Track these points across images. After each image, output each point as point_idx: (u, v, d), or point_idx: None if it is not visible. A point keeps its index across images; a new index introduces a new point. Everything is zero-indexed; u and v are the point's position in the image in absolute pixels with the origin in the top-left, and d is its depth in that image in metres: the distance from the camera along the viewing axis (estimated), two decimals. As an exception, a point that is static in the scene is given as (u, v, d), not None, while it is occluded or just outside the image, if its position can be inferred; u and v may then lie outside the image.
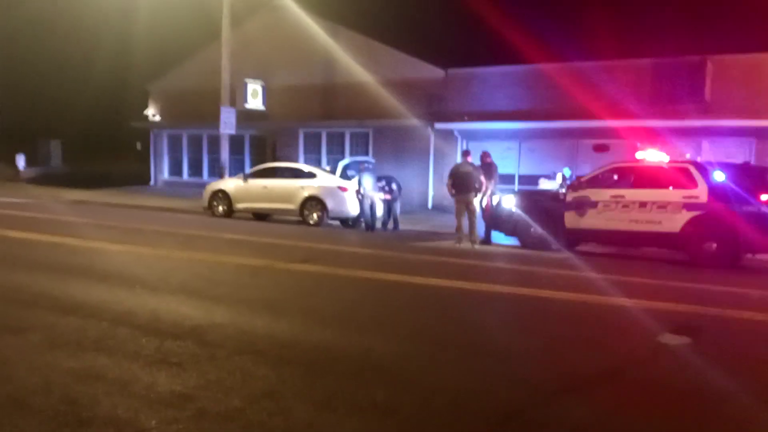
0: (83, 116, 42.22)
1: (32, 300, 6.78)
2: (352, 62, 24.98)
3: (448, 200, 20.97)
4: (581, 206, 13.55)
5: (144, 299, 7.04)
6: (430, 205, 24.38)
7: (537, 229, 13.99)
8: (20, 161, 34.20)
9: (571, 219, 13.66)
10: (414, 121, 23.93)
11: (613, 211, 13.22)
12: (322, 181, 18.06)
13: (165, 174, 31.26)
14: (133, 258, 10.07)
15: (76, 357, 4.96)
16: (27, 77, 43.73)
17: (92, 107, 42.31)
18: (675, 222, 12.66)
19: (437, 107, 24.16)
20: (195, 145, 30.47)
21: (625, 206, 13.12)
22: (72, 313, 6.24)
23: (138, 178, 31.30)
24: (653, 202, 12.86)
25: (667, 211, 12.73)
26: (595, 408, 4.47)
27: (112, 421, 3.80)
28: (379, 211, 17.57)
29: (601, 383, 5.02)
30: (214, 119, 22.86)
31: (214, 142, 26.40)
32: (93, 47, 41.69)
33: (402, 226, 17.76)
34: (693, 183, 12.63)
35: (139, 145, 34.45)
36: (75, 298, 6.90)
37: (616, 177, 13.69)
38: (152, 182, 31.19)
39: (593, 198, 13.46)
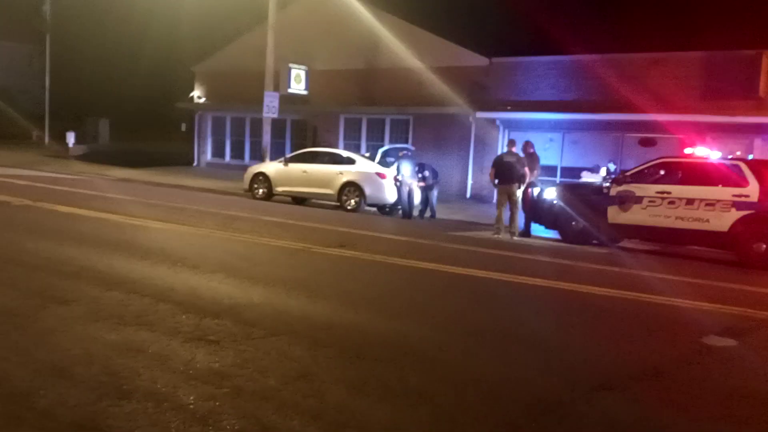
0: (131, 96, 42.93)
1: (78, 273, 6.92)
2: (394, 48, 24.89)
3: (487, 190, 20.89)
4: (625, 201, 13.32)
5: (185, 276, 7.14)
6: (468, 194, 24.23)
7: (579, 222, 13.81)
8: (70, 139, 34.88)
9: (614, 213, 13.44)
10: (455, 109, 23.77)
11: (659, 207, 12.96)
12: (361, 167, 18.07)
13: (208, 155, 31.60)
14: (175, 236, 10.22)
15: (117, 330, 5.05)
16: (78, 58, 44.52)
17: (140, 87, 42.97)
18: (723, 221, 12.35)
19: (479, 96, 23.95)
20: (238, 127, 30.72)
21: (671, 202, 12.85)
22: (115, 287, 6.36)
23: (182, 158, 31.71)
24: (701, 200, 12.57)
25: (716, 209, 12.43)
26: (635, 406, 4.40)
27: (151, 395, 3.87)
28: (417, 198, 17.54)
29: (641, 381, 4.94)
30: (257, 102, 23.00)
31: (257, 125, 26.58)
32: (142, 29, 42.28)
33: (439, 215, 17.69)
34: (744, 181, 12.31)
35: (183, 126, 34.87)
36: (118, 273, 7.03)
37: (662, 172, 13.42)
38: (195, 163, 31.55)
39: (638, 193, 13.21)
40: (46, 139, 38.42)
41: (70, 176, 22.24)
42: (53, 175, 22.02)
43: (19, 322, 5.13)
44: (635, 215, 13.21)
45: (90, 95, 44.68)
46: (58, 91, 39.81)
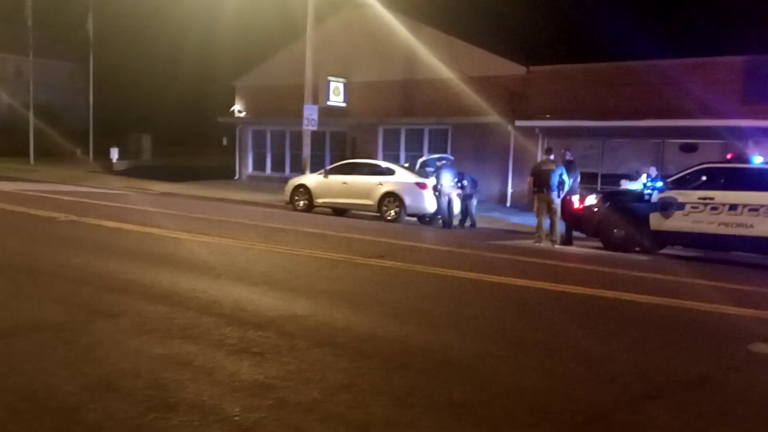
0: (172, 112, 43.76)
1: (123, 287, 7.05)
2: (432, 59, 24.95)
3: (528, 198, 20.74)
4: (667, 207, 13.13)
5: (228, 289, 7.22)
6: (509, 203, 24.11)
7: (620, 230, 13.64)
8: (114, 154, 35.68)
9: (656, 220, 13.25)
10: (494, 119, 23.70)
11: (701, 213, 12.76)
12: (400, 177, 18.11)
13: (249, 168, 31.99)
14: (218, 249, 10.35)
15: (163, 343, 5.13)
16: (120, 75, 45.58)
17: (181, 103, 43.84)
18: (767, 226, 12.12)
19: (518, 105, 23.87)
20: (278, 140, 31.05)
21: (713, 208, 12.64)
22: (160, 301, 6.47)
23: (223, 172, 32.16)
24: (744, 205, 12.35)
25: (759, 215, 12.20)
26: (681, 415, 4.32)
27: (197, 408, 3.92)
28: (457, 208, 17.49)
29: (688, 390, 4.85)
30: (297, 115, 23.24)
31: (297, 138, 26.84)
32: (182, 45, 43.16)
33: (479, 224, 17.63)
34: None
35: (225, 141, 35.41)
36: (163, 286, 7.15)
37: (704, 178, 13.21)
38: (237, 176, 31.97)
39: (680, 199, 13.03)
40: (90, 156, 39.36)
41: (114, 191, 22.70)
42: (98, 190, 22.51)
43: (67, 337, 5.24)
44: (678, 222, 13.03)
45: (132, 111, 45.68)
46: (100, 108, 40.77)
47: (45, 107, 43.01)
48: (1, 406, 3.83)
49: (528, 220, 17.74)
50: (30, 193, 19.36)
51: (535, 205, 14.86)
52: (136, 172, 33.08)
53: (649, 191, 13.60)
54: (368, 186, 18.39)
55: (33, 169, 33.10)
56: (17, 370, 4.44)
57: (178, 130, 45.62)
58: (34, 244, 10.05)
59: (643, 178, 17.91)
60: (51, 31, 45.24)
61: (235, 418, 3.81)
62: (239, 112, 32.35)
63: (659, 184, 13.59)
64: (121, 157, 36.13)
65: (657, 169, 19.13)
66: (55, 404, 3.90)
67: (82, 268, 8.00)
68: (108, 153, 35.85)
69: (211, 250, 10.14)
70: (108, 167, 34.54)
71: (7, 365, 4.52)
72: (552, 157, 14.88)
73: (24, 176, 28.31)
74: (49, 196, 18.66)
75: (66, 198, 18.25)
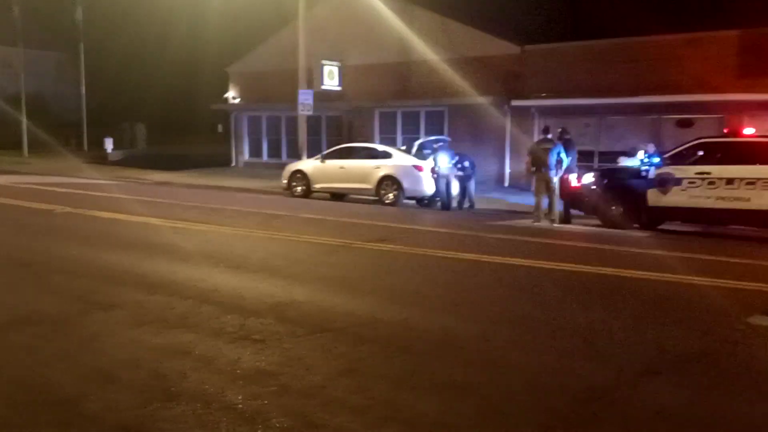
0: (165, 100, 43.52)
1: (120, 277, 7.04)
2: (426, 41, 24.79)
3: (525, 178, 20.70)
4: (664, 183, 13.11)
5: (226, 277, 7.21)
6: (506, 183, 24.05)
7: (618, 207, 13.62)
8: (108, 144, 35.51)
9: (654, 196, 13.24)
10: (490, 99, 23.59)
11: (698, 188, 12.75)
12: (398, 160, 18.05)
13: (245, 155, 31.86)
14: (215, 237, 10.33)
15: (162, 333, 5.12)
16: (110, 64, 45.28)
17: (174, 91, 43.57)
18: (765, 199, 12.12)
19: (514, 84, 23.74)
20: (274, 126, 30.91)
21: (711, 183, 12.63)
22: (158, 290, 6.45)
23: (219, 159, 32.04)
24: (741, 179, 12.34)
25: (757, 188, 12.20)
26: (682, 390, 4.33)
27: (199, 396, 3.91)
28: (455, 189, 17.46)
29: (688, 364, 4.86)
30: (292, 100, 23.10)
31: (292, 123, 26.69)
32: (171, 32, 42.79)
33: (478, 205, 17.59)
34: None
35: (220, 128, 35.21)
36: (161, 276, 7.13)
37: (701, 153, 13.19)
38: (233, 163, 31.84)
39: (677, 175, 13.01)
40: (85, 146, 39.18)
41: (109, 182, 22.62)
42: (92, 181, 22.42)
43: (64, 329, 5.23)
44: (675, 197, 13.02)
45: (124, 101, 45.43)
46: (91, 97, 40.55)
47: (35, 98, 42.74)
48: None
49: (526, 200, 17.72)
50: (24, 185, 19.29)
51: (534, 184, 14.83)
52: (131, 161, 32.93)
53: (646, 167, 13.57)
54: (366, 170, 18.33)
55: (27, 161, 32.94)
56: (14, 362, 4.43)
57: (172, 119, 45.40)
58: (29, 236, 10.02)
59: (640, 154, 17.89)
60: (38, 22, 44.86)
61: (238, 406, 3.80)
62: (233, 98, 32.17)
63: (656, 159, 13.56)
64: (115, 146, 35.93)
65: (655, 146, 19.14)
66: (54, 396, 3.89)
67: (78, 260, 7.97)
68: (102, 143, 35.66)
69: (209, 239, 10.12)
70: (102, 157, 34.36)
71: (4, 358, 4.51)
72: (549, 136, 14.83)
73: (18, 169, 28.17)
74: (44, 188, 18.58)
75: (60, 190, 18.18)
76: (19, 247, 8.90)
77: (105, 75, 44.01)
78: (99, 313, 5.67)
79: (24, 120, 36.47)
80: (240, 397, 3.91)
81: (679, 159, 13.25)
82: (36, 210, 13.29)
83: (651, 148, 15.75)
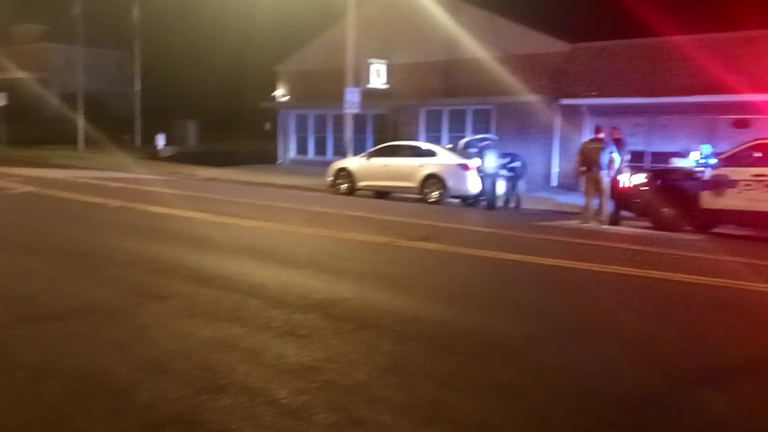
0: (216, 97, 44.23)
1: (172, 270, 7.17)
2: (474, 38, 24.64)
3: (574, 178, 20.42)
4: (719, 185, 12.79)
5: (273, 272, 7.29)
6: (554, 183, 23.78)
7: (670, 208, 13.34)
8: (160, 141, 36.24)
9: (707, 198, 12.93)
10: (539, 97, 23.35)
11: (755, 191, 12.40)
12: (442, 159, 18.00)
13: (292, 153, 32.14)
14: (263, 233, 10.45)
15: (211, 326, 5.21)
16: (164, 62, 46.20)
17: (224, 89, 44.23)
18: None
19: (563, 83, 23.44)
20: (320, 124, 31.12)
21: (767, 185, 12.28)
22: (207, 284, 6.56)
23: (266, 156, 32.39)
24: (800, 182, 11.97)
25: (817, 192, 11.82)
26: (736, 400, 4.22)
27: (245, 389, 3.96)
28: (501, 189, 17.33)
29: (742, 374, 4.73)
30: (339, 98, 23.22)
31: (339, 122, 26.84)
32: (223, 32, 43.46)
33: (525, 205, 17.44)
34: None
35: (268, 125, 35.61)
36: (210, 270, 7.24)
37: (758, 154, 12.82)
38: (280, 160, 32.16)
39: (733, 177, 12.67)
40: (138, 142, 40.04)
41: (160, 177, 23.07)
42: (145, 176, 22.90)
43: (119, 319, 5.36)
44: (730, 200, 12.69)
45: (177, 98, 46.31)
46: (147, 95, 41.42)
47: (96, 95, 43.89)
48: (58, 386, 3.94)
49: (574, 200, 17.50)
50: (80, 180, 19.79)
51: (584, 184, 14.63)
52: (182, 157, 33.51)
53: (700, 169, 13.26)
54: (410, 168, 18.32)
55: (82, 156, 33.82)
56: (72, 351, 4.55)
57: (222, 116, 46.11)
58: (85, 229, 10.28)
59: (694, 155, 17.49)
60: (97, 21, 46.09)
61: (283, 401, 3.84)
62: (282, 96, 32.49)
63: (712, 161, 13.24)
64: (167, 143, 36.67)
65: (711, 146, 18.69)
66: (109, 384, 3.99)
67: (132, 253, 8.15)
68: (154, 139, 36.43)
69: (256, 234, 10.24)
70: (154, 153, 35.08)
71: (63, 347, 4.64)
72: (601, 135, 14.60)
73: (74, 163, 28.95)
74: (99, 182, 19.05)
75: (114, 184, 18.61)
76: (75, 240, 9.14)
77: (159, 74, 44.93)
78: (152, 304, 5.80)
79: (81, 116, 37.46)
80: (285, 392, 3.95)
81: (735, 160, 12.90)
82: (91, 204, 13.64)
83: (707, 148, 15.38)
